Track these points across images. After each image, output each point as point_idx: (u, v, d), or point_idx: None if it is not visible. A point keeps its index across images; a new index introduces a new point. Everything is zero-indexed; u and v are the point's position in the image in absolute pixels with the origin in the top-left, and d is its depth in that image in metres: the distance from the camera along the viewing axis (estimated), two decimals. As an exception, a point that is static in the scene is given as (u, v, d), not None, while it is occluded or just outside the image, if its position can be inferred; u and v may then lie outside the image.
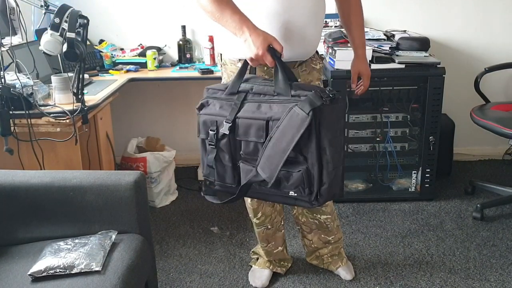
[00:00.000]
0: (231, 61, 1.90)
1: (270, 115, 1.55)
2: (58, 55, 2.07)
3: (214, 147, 1.65)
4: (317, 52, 1.97)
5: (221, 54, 1.91)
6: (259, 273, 2.24)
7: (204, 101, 1.69)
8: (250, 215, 2.17)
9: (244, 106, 1.61)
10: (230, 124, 1.60)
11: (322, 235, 2.21)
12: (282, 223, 2.22)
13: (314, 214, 2.15)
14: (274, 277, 2.25)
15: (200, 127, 1.69)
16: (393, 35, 3.00)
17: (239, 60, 1.83)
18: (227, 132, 1.61)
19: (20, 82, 2.06)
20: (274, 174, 1.52)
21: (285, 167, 1.52)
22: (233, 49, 1.84)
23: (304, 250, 2.35)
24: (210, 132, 1.65)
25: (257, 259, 2.30)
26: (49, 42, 1.99)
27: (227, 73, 1.93)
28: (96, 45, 3.22)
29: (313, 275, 2.27)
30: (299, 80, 1.82)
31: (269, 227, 2.15)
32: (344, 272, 2.25)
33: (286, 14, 1.71)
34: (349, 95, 2.78)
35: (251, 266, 2.30)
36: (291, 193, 1.59)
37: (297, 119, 1.47)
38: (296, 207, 2.19)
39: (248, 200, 2.10)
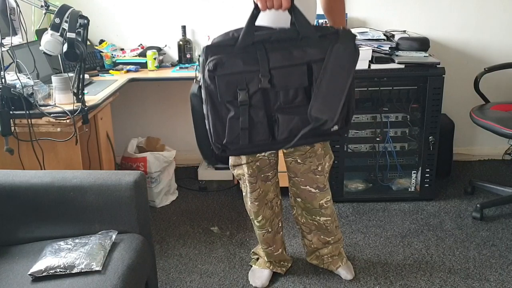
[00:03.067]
0: None
1: (309, 58, 1.51)
2: (59, 55, 2.08)
3: (246, 106, 1.53)
4: None
5: None
6: (259, 273, 2.24)
7: (217, 60, 1.50)
8: (251, 217, 2.17)
9: (271, 56, 1.51)
10: (269, 77, 1.50)
11: (322, 236, 2.21)
12: (280, 224, 2.22)
13: (313, 216, 2.15)
14: (274, 277, 2.25)
15: (222, 89, 1.51)
16: (393, 35, 3.00)
17: None
18: (268, 86, 1.51)
19: (21, 82, 2.06)
20: (336, 113, 1.51)
21: None
22: None
23: (304, 250, 2.35)
24: (240, 91, 1.51)
25: (257, 259, 2.30)
26: (49, 42, 2.00)
27: None
28: (96, 45, 3.22)
29: (313, 275, 2.27)
30: None
31: (269, 230, 2.15)
32: (345, 272, 2.25)
33: (273, 13, 1.60)
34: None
35: (251, 266, 2.31)
36: (335, 127, 1.58)
37: (347, 54, 1.48)
38: (295, 208, 2.19)
39: (248, 203, 2.11)
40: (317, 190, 2.07)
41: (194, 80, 1.63)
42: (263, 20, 1.59)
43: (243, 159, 2.00)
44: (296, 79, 1.52)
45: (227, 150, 1.62)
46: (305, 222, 2.19)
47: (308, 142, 1.78)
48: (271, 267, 2.24)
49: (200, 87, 1.59)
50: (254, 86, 1.52)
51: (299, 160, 2.02)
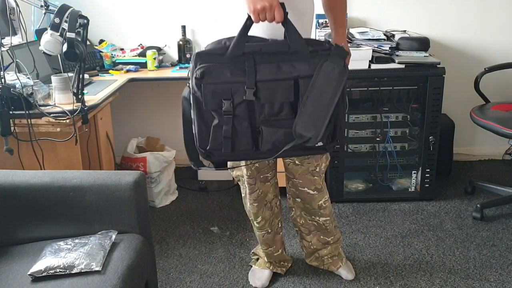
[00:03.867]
0: None
1: (297, 73, 1.52)
2: (58, 55, 2.08)
3: (230, 116, 1.55)
4: None
5: None
6: (259, 274, 2.24)
7: (205, 68, 1.51)
8: (250, 218, 2.17)
9: (259, 68, 1.51)
10: (254, 89, 1.51)
11: (322, 236, 2.20)
12: (280, 225, 2.21)
13: (313, 217, 2.15)
14: (274, 277, 2.25)
15: (207, 98, 1.53)
16: (393, 35, 3.00)
17: None
18: (252, 98, 1.52)
19: (20, 82, 2.06)
20: (320, 130, 1.54)
21: None
22: None
23: (303, 251, 2.34)
24: (225, 101, 1.53)
25: (257, 259, 2.30)
26: (49, 42, 2.00)
27: None
28: (96, 45, 3.22)
29: (313, 275, 2.27)
30: None
31: (269, 231, 2.15)
32: (345, 272, 2.24)
33: (268, 24, 1.57)
34: (349, 95, 2.78)
35: (251, 266, 2.30)
36: (320, 143, 1.60)
37: (335, 73, 1.50)
38: (294, 210, 2.19)
39: (247, 204, 2.10)
40: (315, 192, 2.07)
41: (187, 83, 1.63)
42: (258, 30, 1.59)
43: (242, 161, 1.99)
44: (281, 94, 1.53)
45: (212, 156, 1.64)
46: (304, 223, 2.19)
47: (294, 154, 1.82)
48: (271, 267, 2.24)
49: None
50: (239, 97, 1.53)
51: (297, 162, 2.01)
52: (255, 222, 2.13)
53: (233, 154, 1.62)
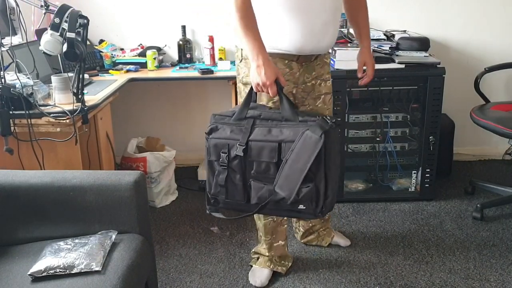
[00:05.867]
0: None
1: (282, 138, 1.73)
2: (58, 55, 2.08)
3: (225, 167, 1.81)
4: None
5: (241, 50, 1.98)
6: (259, 273, 2.24)
7: (214, 126, 1.84)
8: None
9: (254, 130, 1.78)
10: (244, 147, 1.77)
11: None
12: (284, 218, 2.23)
13: None
14: (274, 277, 2.25)
15: (211, 150, 1.84)
16: (393, 35, 3.00)
17: None
18: (241, 154, 1.77)
19: (20, 82, 2.06)
20: (293, 192, 1.69)
21: None
22: None
23: (297, 233, 2.45)
24: (222, 154, 1.81)
25: (258, 258, 2.30)
26: (49, 42, 2.00)
27: (247, 67, 1.95)
28: (96, 45, 3.22)
29: (313, 275, 2.27)
30: (313, 73, 2.02)
31: (274, 219, 2.19)
32: (342, 240, 2.44)
33: (308, 11, 1.82)
34: (349, 95, 2.78)
35: (252, 266, 2.31)
36: (301, 206, 1.74)
37: (311, 141, 1.66)
38: None
39: None
40: None
41: None
42: (307, 44, 1.88)
43: None
44: (266, 154, 1.75)
45: (216, 203, 1.91)
46: None
47: (281, 214, 2.02)
48: (271, 266, 2.24)
49: None
50: (233, 152, 1.79)
51: None
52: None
53: (229, 203, 1.87)
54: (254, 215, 2.19)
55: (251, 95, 1.85)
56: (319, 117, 1.74)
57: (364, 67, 2.20)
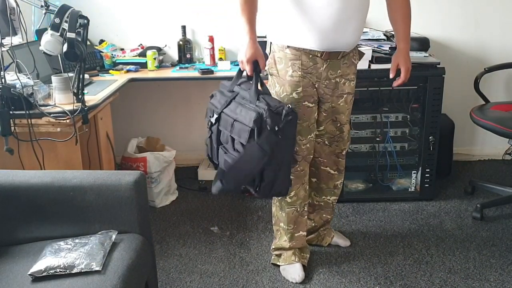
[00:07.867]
0: (279, 47, 2.06)
1: (236, 117, 1.89)
2: (58, 55, 2.08)
3: (209, 129, 2.05)
4: (357, 48, 2.14)
5: (271, 43, 2.16)
6: (292, 269, 2.24)
7: (214, 92, 2.08)
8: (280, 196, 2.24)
9: (231, 103, 1.95)
10: (217, 116, 1.98)
11: (324, 215, 2.38)
12: (306, 209, 2.27)
13: (323, 197, 2.34)
14: (275, 276, 2.25)
15: (207, 111, 2.08)
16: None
17: (287, 46, 2.03)
18: (213, 121, 2.00)
19: (21, 82, 2.06)
20: (238, 188, 2.11)
21: None
22: (281, 37, 2.05)
23: None
24: (209, 117, 2.04)
25: (279, 255, 2.30)
26: (49, 42, 2.00)
27: (273, 60, 2.09)
28: (96, 45, 3.22)
29: (313, 275, 2.27)
30: (338, 71, 2.06)
31: (298, 209, 2.21)
32: (342, 240, 2.45)
33: (331, 7, 1.90)
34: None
35: (278, 265, 2.30)
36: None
37: (259, 154, 1.80)
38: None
39: None
40: (336, 172, 2.29)
41: None
42: (324, 40, 1.97)
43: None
44: (227, 126, 1.93)
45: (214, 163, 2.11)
46: (311, 203, 2.33)
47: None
48: (297, 259, 2.26)
49: None
50: (212, 119, 2.02)
51: (326, 142, 2.22)
52: (287, 198, 2.18)
53: (215, 164, 2.08)
54: (275, 207, 2.26)
55: (241, 72, 2.03)
56: (280, 104, 1.85)
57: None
